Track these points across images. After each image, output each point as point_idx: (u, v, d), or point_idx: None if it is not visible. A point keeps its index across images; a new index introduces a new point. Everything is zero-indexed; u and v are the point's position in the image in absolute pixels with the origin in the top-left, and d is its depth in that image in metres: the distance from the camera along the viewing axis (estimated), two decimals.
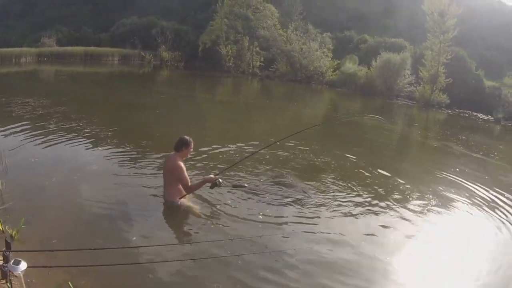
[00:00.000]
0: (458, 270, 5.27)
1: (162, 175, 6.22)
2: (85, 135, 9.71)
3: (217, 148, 9.50)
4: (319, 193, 7.16)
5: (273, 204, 6.47)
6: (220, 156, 8.99)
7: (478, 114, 27.27)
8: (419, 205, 7.24)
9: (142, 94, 19.97)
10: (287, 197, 6.80)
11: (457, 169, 10.23)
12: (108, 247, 4.41)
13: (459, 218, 7.04)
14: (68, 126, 10.43)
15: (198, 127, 12.35)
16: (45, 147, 8.52)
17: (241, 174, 7.74)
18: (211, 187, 6.16)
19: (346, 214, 6.42)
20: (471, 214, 7.26)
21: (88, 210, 5.75)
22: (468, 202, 7.78)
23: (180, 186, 5.91)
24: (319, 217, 6.17)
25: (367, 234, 5.86)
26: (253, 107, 20.47)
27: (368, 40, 38.47)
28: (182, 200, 5.97)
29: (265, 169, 8.29)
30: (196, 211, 5.95)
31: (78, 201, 5.95)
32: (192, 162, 7.88)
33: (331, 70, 34.40)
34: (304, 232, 5.69)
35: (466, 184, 8.96)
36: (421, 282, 4.89)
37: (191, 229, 5.57)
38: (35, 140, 8.90)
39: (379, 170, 9.02)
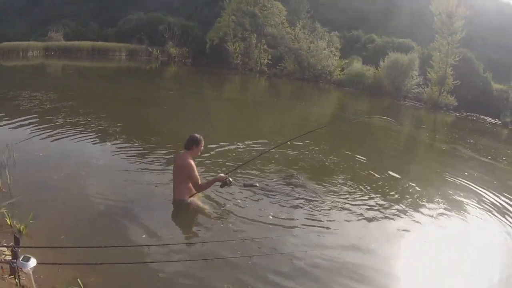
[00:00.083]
0: (473, 275, 5.17)
1: (171, 172, 6.16)
2: (93, 130, 9.68)
3: (225, 146, 9.44)
4: (330, 195, 7.06)
5: (283, 205, 6.39)
6: (228, 154, 8.93)
7: (485, 117, 27.10)
8: (430, 209, 7.14)
9: (150, 90, 19.96)
10: (297, 198, 6.71)
11: (466, 173, 10.13)
12: (117, 245, 4.35)
13: (470, 224, 6.92)
14: (76, 120, 10.40)
15: (205, 124, 12.31)
16: (53, 141, 8.50)
17: (251, 174, 7.66)
18: (221, 186, 6.09)
19: (357, 218, 6.31)
20: (481, 219, 7.17)
21: (97, 206, 5.71)
22: (478, 207, 7.68)
23: (190, 185, 5.84)
24: (329, 220, 6.07)
25: (379, 239, 5.77)
26: (261, 105, 20.40)
27: (376, 40, 38.29)
28: (192, 198, 5.91)
29: (275, 169, 8.21)
30: (205, 211, 5.89)
31: (86, 197, 5.92)
32: (199, 159, 7.78)
33: (339, 69, 34.23)
34: (314, 235, 5.61)
35: (475, 188, 8.85)
36: None
37: (200, 229, 5.51)
38: (43, 134, 8.88)
39: (389, 172, 8.93)
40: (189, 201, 5.86)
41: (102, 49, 35.91)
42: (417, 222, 6.52)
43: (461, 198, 8.04)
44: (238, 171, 7.17)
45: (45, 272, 3.84)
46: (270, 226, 5.68)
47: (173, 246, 4.80)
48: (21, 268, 3.14)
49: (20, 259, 3.08)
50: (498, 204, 8.02)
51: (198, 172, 5.94)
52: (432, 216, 6.84)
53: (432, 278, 4.97)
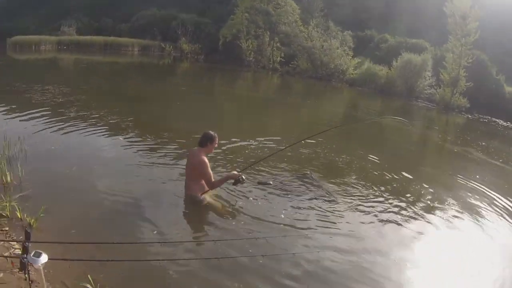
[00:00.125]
0: (491, 280, 5.07)
1: (183, 167, 6.11)
2: (105, 124, 9.67)
3: (236, 142, 9.39)
4: (343, 195, 6.95)
5: (296, 205, 6.29)
6: (241, 151, 8.87)
7: (497, 120, 26.70)
8: (443, 212, 7.00)
9: (163, 86, 19.96)
10: (311, 198, 6.61)
11: (477, 176, 9.92)
12: (129, 242, 4.31)
13: (483, 227, 6.71)
14: (88, 114, 10.41)
15: (218, 120, 12.27)
16: (65, 135, 8.51)
17: (263, 171, 7.59)
18: (234, 184, 6.02)
19: (371, 220, 6.19)
20: (492, 222, 6.98)
21: (108, 201, 5.67)
22: (490, 210, 7.50)
23: (203, 182, 5.78)
24: (342, 222, 5.94)
25: (391, 242, 5.66)
26: (274, 103, 20.26)
27: (389, 40, 37.94)
28: (204, 195, 5.84)
29: (288, 167, 8.10)
30: (217, 208, 5.83)
31: (97, 192, 5.89)
32: (210, 155, 7.70)
33: (352, 68, 34.01)
34: (327, 236, 5.50)
35: (487, 192, 8.63)
36: None
37: (211, 227, 5.44)
38: (55, 127, 8.89)
39: (402, 173, 8.78)
40: (201, 198, 5.81)
41: (114, 44, 36.12)
42: (430, 224, 6.38)
43: (473, 201, 7.88)
44: (250, 169, 7.09)
45: (55, 266, 3.80)
46: (282, 226, 5.59)
47: (185, 244, 4.76)
48: (31, 264, 3.07)
49: (31, 254, 3.02)
50: (510, 208, 7.84)
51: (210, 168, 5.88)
52: (446, 220, 6.68)
53: (451, 280, 4.88)
